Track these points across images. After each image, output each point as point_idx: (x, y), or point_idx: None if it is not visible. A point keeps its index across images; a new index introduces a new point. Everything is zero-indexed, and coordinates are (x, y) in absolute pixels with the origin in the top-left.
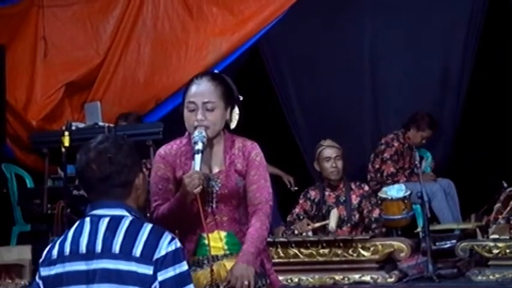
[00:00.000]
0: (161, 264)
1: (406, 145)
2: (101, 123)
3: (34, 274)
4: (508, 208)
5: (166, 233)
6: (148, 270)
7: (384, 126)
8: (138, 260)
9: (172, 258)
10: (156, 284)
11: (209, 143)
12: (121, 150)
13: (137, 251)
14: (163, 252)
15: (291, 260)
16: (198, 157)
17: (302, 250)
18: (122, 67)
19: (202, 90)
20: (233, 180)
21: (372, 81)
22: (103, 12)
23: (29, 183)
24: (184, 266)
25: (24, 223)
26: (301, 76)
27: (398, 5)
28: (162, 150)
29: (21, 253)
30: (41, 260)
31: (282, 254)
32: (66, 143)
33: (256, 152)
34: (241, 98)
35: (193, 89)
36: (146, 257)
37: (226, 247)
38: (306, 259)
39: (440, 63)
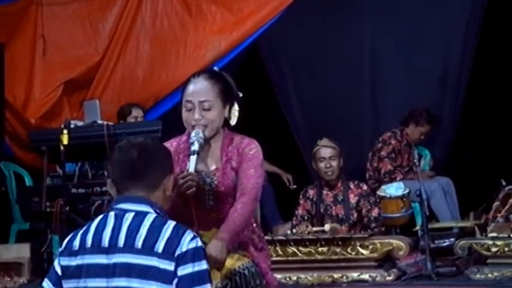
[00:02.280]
0: (181, 260)
1: (404, 143)
2: (99, 121)
3: (33, 272)
4: (507, 206)
5: (189, 231)
6: (169, 266)
7: (383, 125)
8: (160, 256)
9: (192, 255)
10: (176, 279)
11: (207, 141)
12: (158, 148)
13: (159, 246)
14: (184, 249)
15: (290, 258)
16: (193, 158)
17: (301, 248)
18: (120, 65)
19: (198, 89)
20: (229, 178)
21: (371, 80)
22: (102, 10)
23: (28, 181)
24: (203, 265)
25: (23, 221)
26: (300, 74)
27: (397, 3)
28: (165, 145)
29: (19, 251)
30: (60, 250)
31: (280, 252)
32: (65, 141)
33: (250, 147)
34: (240, 95)
35: (191, 87)
36: (168, 253)
37: None
38: (305, 257)
39: (440, 62)
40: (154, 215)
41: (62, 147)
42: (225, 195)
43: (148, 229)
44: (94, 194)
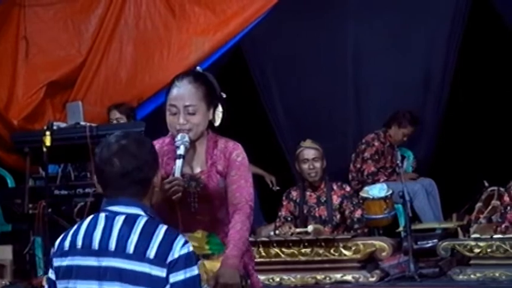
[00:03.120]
0: (173, 266)
1: (388, 144)
2: (82, 123)
3: (15, 274)
4: (490, 207)
5: (180, 235)
6: (161, 272)
7: (366, 126)
8: (152, 262)
9: (184, 262)
10: (168, 286)
11: (192, 144)
12: (143, 147)
13: (151, 252)
14: (176, 255)
15: (273, 259)
16: (179, 162)
17: (284, 249)
18: (104, 67)
19: (183, 93)
20: (215, 181)
21: (354, 82)
22: (85, 11)
23: (10, 182)
24: (195, 271)
25: (5, 223)
26: (284, 76)
27: (381, 5)
28: None
29: (2, 253)
30: (53, 251)
31: (263, 254)
32: (48, 143)
33: (237, 152)
34: (224, 96)
35: (175, 91)
36: (160, 259)
37: (207, 247)
38: (288, 258)
39: (423, 64)
40: (146, 217)
41: (44, 149)
42: (211, 197)
43: (140, 233)
44: (77, 195)
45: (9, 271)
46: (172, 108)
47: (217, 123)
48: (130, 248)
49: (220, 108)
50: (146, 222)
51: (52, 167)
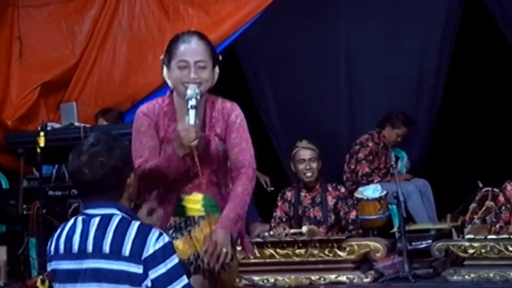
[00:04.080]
0: (151, 262)
1: (381, 145)
2: (76, 124)
3: (9, 275)
4: (484, 208)
5: (154, 229)
6: (138, 269)
7: (360, 127)
8: (128, 260)
9: (161, 255)
10: (147, 282)
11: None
12: (113, 154)
13: (126, 250)
14: (151, 251)
15: (267, 260)
16: (192, 112)
17: (278, 250)
18: (97, 67)
19: (193, 49)
20: (213, 145)
21: (347, 82)
22: (78, 12)
23: (4, 183)
24: (175, 260)
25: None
26: (277, 76)
27: (374, 6)
28: (144, 107)
29: None
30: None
31: (258, 254)
32: (42, 144)
33: (236, 113)
34: (220, 58)
35: (183, 47)
36: (135, 256)
37: (202, 209)
38: (282, 259)
39: (416, 65)
40: (120, 216)
41: (38, 150)
42: (209, 161)
43: (114, 233)
44: (71, 196)
45: (4, 272)
46: (182, 63)
47: (213, 83)
48: (106, 247)
49: (217, 70)
50: (120, 221)
51: (46, 168)
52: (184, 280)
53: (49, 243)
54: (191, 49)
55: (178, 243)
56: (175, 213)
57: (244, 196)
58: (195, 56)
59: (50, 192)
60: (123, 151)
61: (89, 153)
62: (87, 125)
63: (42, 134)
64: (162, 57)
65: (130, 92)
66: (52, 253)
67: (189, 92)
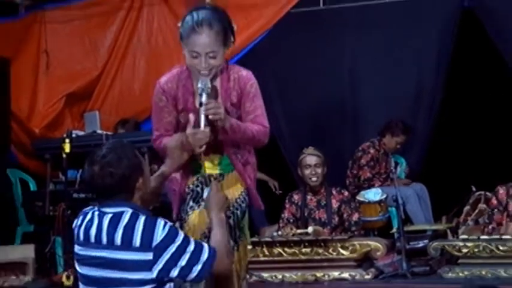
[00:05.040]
0: (161, 248)
1: (382, 151)
2: (99, 131)
3: (37, 271)
4: (476, 211)
5: (159, 219)
6: (148, 256)
7: (362, 135)
8: (138, 249)
9: (170, 239)
10: (159, 264)
11: (211, 83)
12: (121, 163)
13: (137, 241)
14: (160, 238)
15: (276, 258)
16: (203, 115)
17: (286, 249)
18: (118, 79)
19: (203, 41)
20: (229, 112)
21: (351, 93)
22: (101, 28)
23: (32, 186)
24: (180, 236)
25: (28, 224)
26: (286, 89)
27: (376, 24)
28: (163, 82)
29: (24, 252)
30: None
31: (267, 253)
32: (67, 150)
33: (251, 82)
34: (234, 27)
35: (195, 38)
36: (145, 245)
37: (219, 167)
38: (290, 257)
39: (415, 77)
40: (130, 211)
41: (64, 155)
42: (224, 129)
43: (124, 227)
44: (93, 198)
45: (32, 268)
46: (193, 53)
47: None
48: (118, 240)
49: (231, 39)
50: (130, 215)
51: (71, 172)
52: (192, 246)
53: (74, 225)
54: (202, 41)
55: (194, 219)
56: (193, 172)
57: (253, 131)
58: (206, 48)
59: (75, 195)
60: (130, 160)
61: (100, 163)
62: (109, 133)
63: (67, 140)
64: (179, 25)
65: (148, 102)
66: (75, 237)
67: (200, 85)
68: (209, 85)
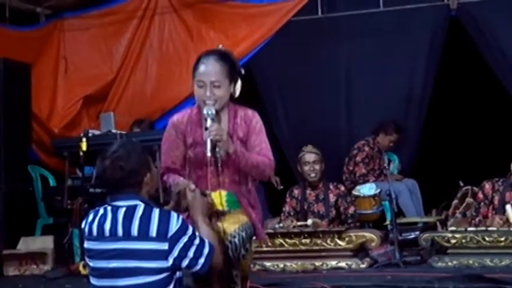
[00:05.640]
0: (175, 239)
1: (376, 149)
2: (113, 131)
3: (56, 261)
4: (464, 204)
5: (172, 213)
6: (164, 246)
7: (357, 134)
8: (155, 239)
9: (182, 230)
10: (175, 252)
11: (217, 113)
12: (130, 158)
13: (153, 232)
14: (174, 229)
15: (277, 248)
16: (208, 139)
17: (287, 240)
18: (132, 83)
19: (209, 70)
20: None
21: (346, 95)
22: (116, 35)
23: (52, 182)
24: (189, 229)
25: (47, 216)
26: (286, 91)
27: (369, 32)
28: (175, 118)
29: (44, 242)
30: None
31: (269, 244)
32: (84, 148)
33: (256, 119)
34: (243, 72)
35: (202, 68)
36: (161, 235)
37: (226, 204)
38: (290, 248)
39: (405, 81)
40: (143, 205)
41: (81, 153)
42: (232, 162)
43: (140, 219)
44: (107, 193)
45: (51, 258)
46: (200, 82)
47: (236, 95)
48: (135, 231)
49: (239, 82)
50: (144, 209)
51: (88, 169)
52: (197, 239)
53: (83, 224)
54: (207, 70)
55: None
56: None
57: (257, 160)
58: (211, 77)
59: (91, 190)
60: (139, 156)
61: (111, 158)
62: (123, 132)
63: (84, 139)
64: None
65: (159, 104)
66: (86, 234)
67: (204, 111)
68: (213, 111)
